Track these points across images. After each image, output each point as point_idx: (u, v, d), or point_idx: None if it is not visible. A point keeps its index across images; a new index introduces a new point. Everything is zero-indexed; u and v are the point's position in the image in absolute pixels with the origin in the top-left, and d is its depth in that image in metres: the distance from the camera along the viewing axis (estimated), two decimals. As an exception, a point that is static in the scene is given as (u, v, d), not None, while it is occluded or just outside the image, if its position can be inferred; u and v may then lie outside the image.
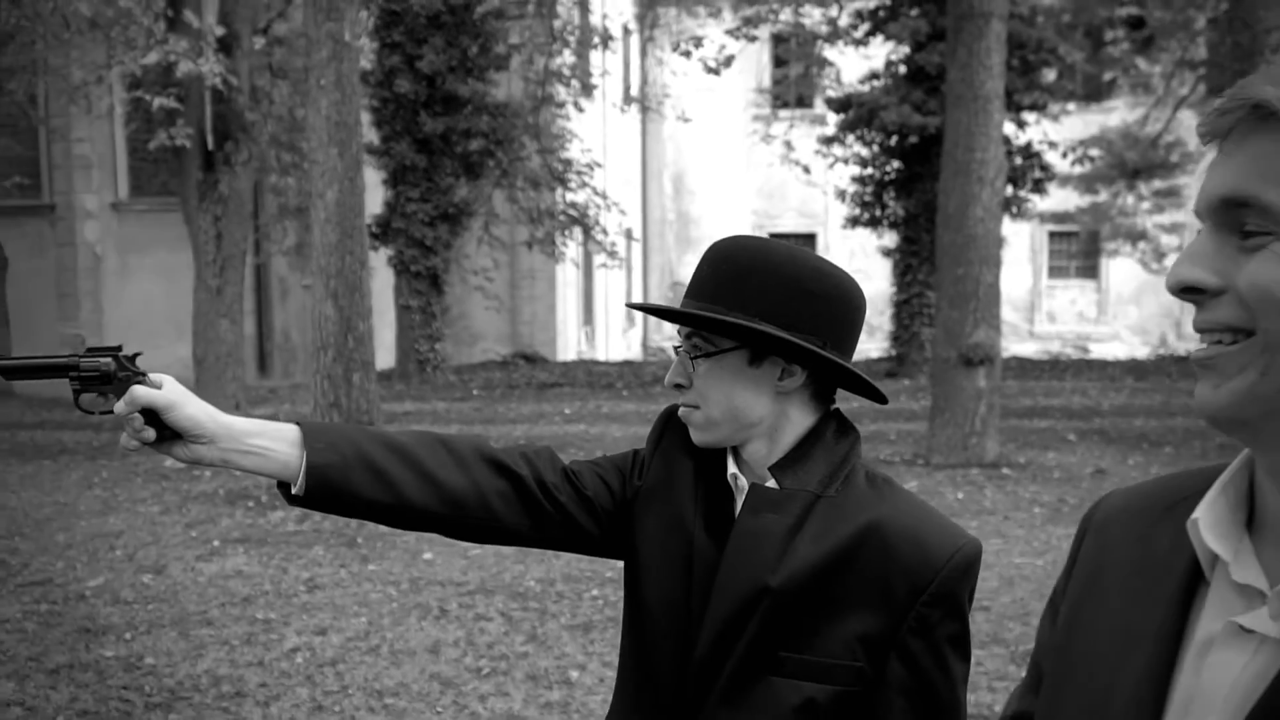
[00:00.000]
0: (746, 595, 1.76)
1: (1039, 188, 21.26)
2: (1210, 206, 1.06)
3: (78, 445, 14.37)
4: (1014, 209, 20.97)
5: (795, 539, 1.76)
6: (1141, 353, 28.39)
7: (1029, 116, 20.98)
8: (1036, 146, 21.23)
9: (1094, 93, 27.25)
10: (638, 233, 32.46)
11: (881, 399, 1.87)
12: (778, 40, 27.83)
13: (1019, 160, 20.91)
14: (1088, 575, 1.25)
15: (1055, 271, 32.39)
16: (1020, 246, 29.38)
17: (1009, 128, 19.99)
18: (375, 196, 19.43)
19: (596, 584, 7.99)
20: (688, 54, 21.08)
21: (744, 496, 1.84)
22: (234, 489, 11.23)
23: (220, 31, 12.30)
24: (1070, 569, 1.29)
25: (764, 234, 32.54)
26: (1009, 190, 20.47)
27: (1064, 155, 22.08)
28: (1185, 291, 1.07)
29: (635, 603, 1.92)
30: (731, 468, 1.87)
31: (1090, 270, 31.81)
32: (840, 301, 1.80)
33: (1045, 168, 21.20)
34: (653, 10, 27.66)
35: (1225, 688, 1.07)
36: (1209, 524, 1.10)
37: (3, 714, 5.75)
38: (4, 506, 10.78)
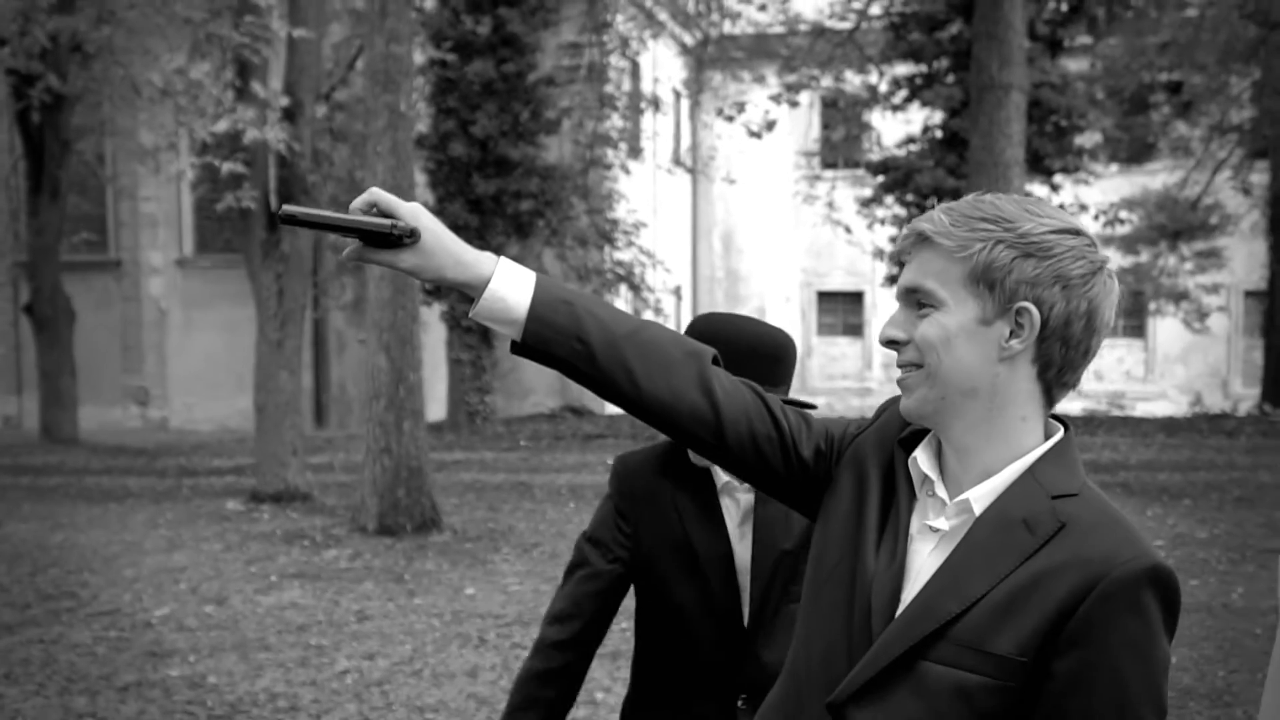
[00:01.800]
0: (776, 558, 2.65)
1: (1069, 250, 21.69)
2: (900, 293, 1.79)
3: (143, 490, 14.96)
4: (1042, 271, 21.41)
5: (790, 516, 2.63)
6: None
7: (1063, 180, 21.47)
8: (1068, 209, 21.69)
9: (1136, 155, 27.59)
10: (687, 290, 33.05)
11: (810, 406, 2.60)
12: (826, 104, 28.46)
13: (1049, 223, 21.34)
14: (867, 448, 1.92)
15: (1102, 331, 32.37)
16: (1067, 306, 29.58)
17: (1041, 190, 20.48)
18: (429, 254, 20.02)
19: (625, 618, 8.44)
20: (730, 119, 21.82)
21: (722, 487, 2.70)
22: (291, 529, 11.84)
23: (285, 101, 13.00)
24: (869, 424, 1.96)
25: (812, 291, 33.26)
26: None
27: (1095, 218, 22.55)
28: (889, 344, 1.77)
29: (665, 590, 2.74)
30: (698, 460, 2.71)
31: (1137, 329, 31.76)
32: (775, 353, 2.63)
33: (1076, 231, 21.64)
34: (700, 75, 28.46)
35: (920, 567, 1.75)
36: (924, 460, 1.80)
37: (76, 727, 6.36)
38: (74, 544, 11.37)
